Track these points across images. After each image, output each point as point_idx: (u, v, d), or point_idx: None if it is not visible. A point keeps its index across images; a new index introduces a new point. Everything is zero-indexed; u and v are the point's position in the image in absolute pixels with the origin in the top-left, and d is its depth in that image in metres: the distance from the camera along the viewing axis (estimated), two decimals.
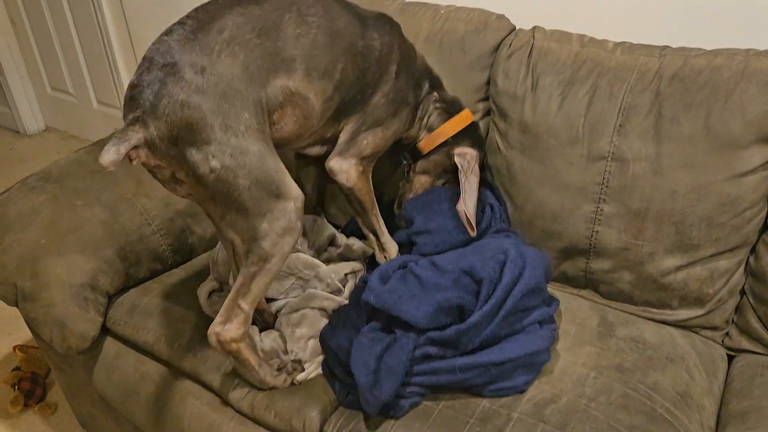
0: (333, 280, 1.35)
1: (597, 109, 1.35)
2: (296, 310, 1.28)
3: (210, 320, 1.12)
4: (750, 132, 1.22)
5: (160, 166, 1.01)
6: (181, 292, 1.40)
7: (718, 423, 1.20)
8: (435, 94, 1.42)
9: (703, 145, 1.25)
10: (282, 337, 1.25)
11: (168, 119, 0.94)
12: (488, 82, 1.52)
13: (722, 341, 1.39)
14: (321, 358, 1.24)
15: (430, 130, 1.43)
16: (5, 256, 1.28)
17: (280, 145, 1.13)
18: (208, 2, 1.07)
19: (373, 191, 1.36)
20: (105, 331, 1.39)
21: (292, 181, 1.06)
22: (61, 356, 1.50)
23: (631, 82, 1.33)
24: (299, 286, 1.35)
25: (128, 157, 0.98)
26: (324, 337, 1.23)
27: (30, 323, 1.30)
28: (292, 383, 1.19)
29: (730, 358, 1.37)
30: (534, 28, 1.51)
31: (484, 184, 1.49)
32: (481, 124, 1.54)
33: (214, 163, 0.96)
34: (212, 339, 1.09)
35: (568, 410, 1.12)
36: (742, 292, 1.36)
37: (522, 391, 1.16)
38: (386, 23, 1.33)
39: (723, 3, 1.42)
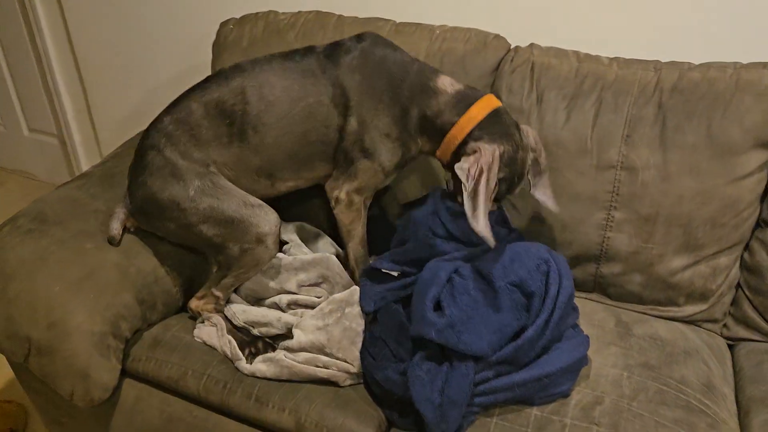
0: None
1: (604, 121, 1.42)
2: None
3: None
4: (748, 138, 1.33)
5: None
6: None
7: (739, 408, 1.29)
8: (430, 105, 1.30)
9: (706, 153, 1.35)
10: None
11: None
12: None
13: (721, 332, 1.50)
14: (307, 355, 1.22)
15: (443, 135, 1.31)
16: (12, 307, 1.17)
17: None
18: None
19: (360, 227, 1.38)
20: (122, 374, 1.31)
21: (263, 211, 1.27)
22: (63, 409, 1.39)
23: (634, 95, 1.42)
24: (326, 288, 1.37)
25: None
26: (368, 369, 1.20)
27: (44, 378, 1.20)
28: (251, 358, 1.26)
29: (729, 347, 1.48)
30: (531, 45, 1.56)
31: None
32: None
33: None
34: (191, 305, 1.36)
35: (614, 411, 1.18)
36: (737, 286, 1.47)
37: (566, 396, 1.21)
38: (342, 55, 1.30)
39: (705, 18, 1.53)
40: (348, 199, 1.35)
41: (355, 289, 1.29)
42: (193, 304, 1.37)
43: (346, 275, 1.37)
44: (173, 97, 2.21)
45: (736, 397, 1.32)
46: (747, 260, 1.44)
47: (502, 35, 1.59)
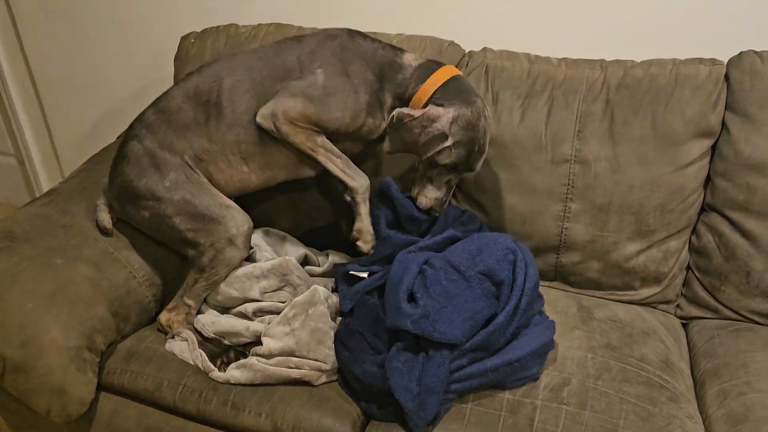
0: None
1: (556, 118, 1.50)
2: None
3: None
4: (689, 129, 1.42)
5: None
6: None
7: (695, 381, 1.38)
8: (397, 78, 1.37)
9: (652, 144, 1.44)
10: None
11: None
12: None
13: (675, 312, 1.59)
14: (279, 358, 1.24)
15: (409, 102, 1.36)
16: None
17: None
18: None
19: (329, 146, 1.36)
20: (98, 388, 1.30)
21: (235, 212, 1.33)
22: (38, 427, 1.37)
23: (583, 92, 1.50)
24: (289, 292, 1.39)
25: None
26: (345, 363, 1.24)
27: (20, 396, 1.19)
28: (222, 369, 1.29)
29: (683, 326, 1.57)
30: (484, 49, 1.63)
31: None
32: None
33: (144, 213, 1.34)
34: (161, 320, 1.37)
35: (581, 390, 1.24)
36: (687, 268, 1.57)
37: (536, 379, 1.26)
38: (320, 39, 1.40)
39: (641, 18, 1.62)
40: (287, 119, 1.32)
41: (315, 288, 1.31)
42: (164, 318, 1.37)
43: (306, 275, 1.41)
44: (134, 112, 2.21)
45: (692, 371, 1.41)
46: (695, 243, 1.53)
47: (456, 41, 1.66)
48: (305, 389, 1.24)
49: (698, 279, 1.54)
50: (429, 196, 1.39)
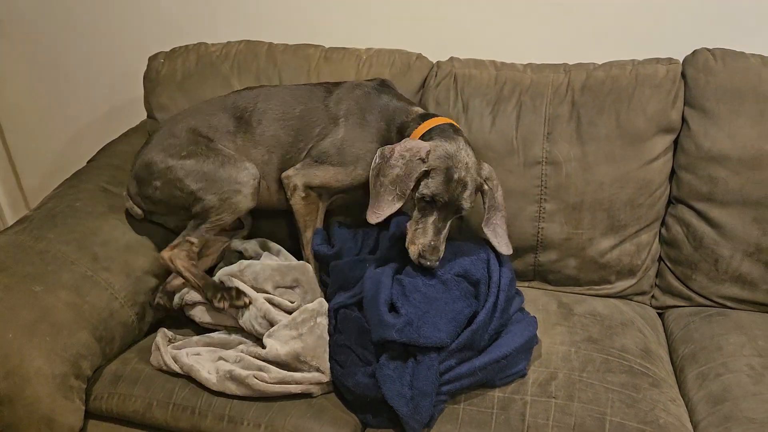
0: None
1: (525, 122, 1.55)
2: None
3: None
4: (651, 126, 1.49)
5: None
6: None
7: (674, 367, 1.42)
8: (402, 120, 1.46)
9: (618, 142, 1.50)
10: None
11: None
12: None
13: (650, 303, 1.64)
14: (280, 375, 1.24)
15: None
16: None
17: None
18: None
19: (315, 219, 1.47)
20: (85, 416, 1.28)
21: (243, 165, 1.41)
22: None
23: (549, 96, 1.55)
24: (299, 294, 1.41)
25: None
26: (338, 377, 1.24)
27: (6, 429, 1.15)
28: (233, 306, 1.33)
29: (659, 315, 1.63)
30: (451, 58, 1.68)
31: None
32: None
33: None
34: (164, 255, 1.40)
35: (568, 383, 1.27)
36: (659, 259, 1.62)
37: (524, 375, 1.29)
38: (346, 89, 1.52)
39: (598, 22, 1.69)
40: (305, 193, 1.45)
41: (322, 300, 1.34)
42: (166, 254, 1.40)
43: (318, 287, 1.42)
44: (99, 138, 2.20)
45: (671, 357, 1.46)
46: (664, 235, 1.59)
47: (423, 53, 1.71)
48: (303, 400, 1.24)
49: (670, 269, 1.60)
50: (417, 242, 1.30)
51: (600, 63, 1.59)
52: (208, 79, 1.71)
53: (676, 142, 1.53)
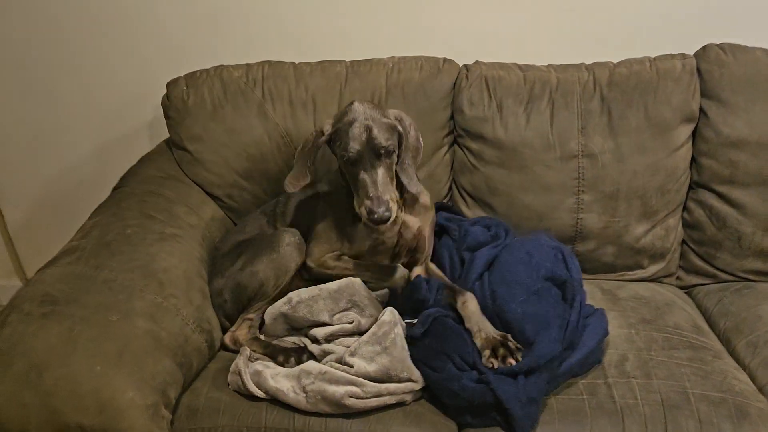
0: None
1: (559, 118, 1.62)
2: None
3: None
4: (677, 116, 1.59)
5: None
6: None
7: (720, 340, 1.52)
8: None
9: (648, 132, 1.59)
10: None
11: None
12: (451, 118, 1.70)
13: (676, 284, 1.75)
14: (375, 388, 1.22)
15: None
16: (53, 398, 1.04)
17: None
18: None
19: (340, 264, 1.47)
20: None
21: (285, 238, 1.44)
22: None
23: (579, 93, 1.63)
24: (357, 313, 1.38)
25: None
26: (439, 382, 1.23)
27: None
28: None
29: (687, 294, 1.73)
30: (476, 62, 1.73)
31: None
32: (447, 156, 1.72)
33: None
34: (227, 341, 1.42)
35: (640, 363, 1.33)
36: (683, 242, 1.73)
37: (600, 361, 1.34)
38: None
39: (606, 22, 1.79)
40: (317, 264, 1.47)
41: (393, 309, 1.33)
42: (228, 339, 1.42)
43: (371, 295, 1.40)
44: (95, 171, 2.09)
45: (714, 331, 1.55)
46: (686, 218, 1.70)
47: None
48: (398, 409, 1.23)
49: (693, 250, 1.71)
50: (362, 203, 1.33)
51: (615, 61, 1.69)
52: (242, 107, 1.68)
53: (693, 131, 1.65)
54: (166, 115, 1.72)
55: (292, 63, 1.74)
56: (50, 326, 1.11)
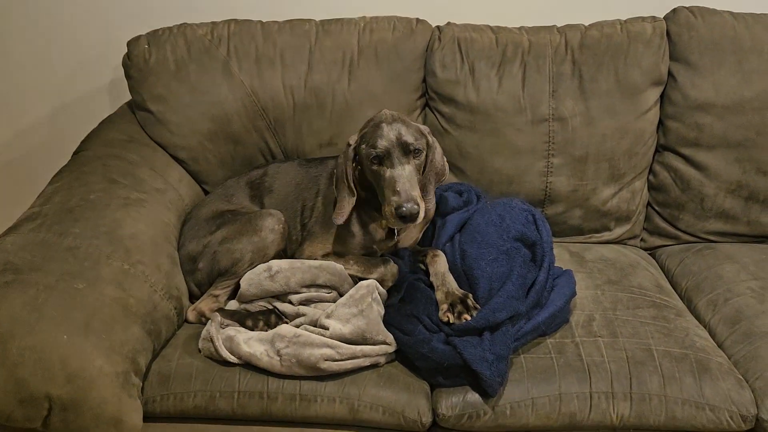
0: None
1: (531, 81, 1.61)
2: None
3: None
4: (646, 79, 1.61)
5: None
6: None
7: (681, 299, 1.57)
8: None
9: (617, 95, 1.60)
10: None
11: None
12: (423, 80, 1.68)
13: (640, 245, 1.79)
14: (350, 350, 1.22)
15: None
16: (20, 368, 1.01)
17: None
18: None
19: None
20: None
21: (264, 213, 1.43)
22: None
23: (550, 56, 1.62)
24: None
25: None
26: (410, 345, 1.24)
27: None
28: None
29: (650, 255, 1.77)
30: (449, 23, 1.70)
31: None
32: (419, 120, 1.70)
33: None
34: (190, 317, 1.39)
35: (606, 322, 1.37)
36: (647, 204, 1.77)
37: (567, 321, 1.38)
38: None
39: None
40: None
41: (370, 280, 1.34)
42: (191, 315, 1.39)
43: (349, 278, 1.39)
44: (53, 135, 2.00)
45: (676, 291, 1.60)
46: (652, 181, 1.73)
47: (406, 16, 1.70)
48: (372, 371, 1.24)
49: (657, 212, 1.75)
50: (389, 203, 1.26)
51: (587, 24, 1.68)
52: (206, 66, 1.61)
53: (661, 95, 1.66)
54: (128, 75, 1.65)
55: (260, 21, 1.68)
56: (13, 295, 1.08)
